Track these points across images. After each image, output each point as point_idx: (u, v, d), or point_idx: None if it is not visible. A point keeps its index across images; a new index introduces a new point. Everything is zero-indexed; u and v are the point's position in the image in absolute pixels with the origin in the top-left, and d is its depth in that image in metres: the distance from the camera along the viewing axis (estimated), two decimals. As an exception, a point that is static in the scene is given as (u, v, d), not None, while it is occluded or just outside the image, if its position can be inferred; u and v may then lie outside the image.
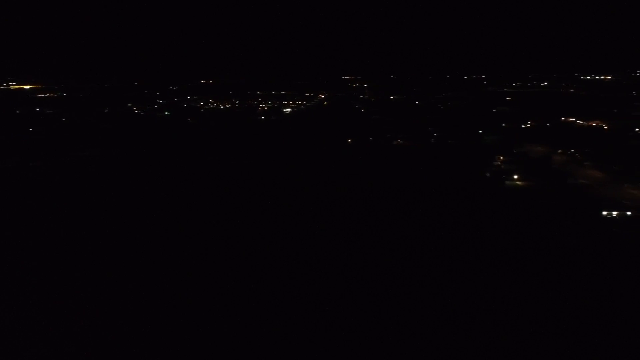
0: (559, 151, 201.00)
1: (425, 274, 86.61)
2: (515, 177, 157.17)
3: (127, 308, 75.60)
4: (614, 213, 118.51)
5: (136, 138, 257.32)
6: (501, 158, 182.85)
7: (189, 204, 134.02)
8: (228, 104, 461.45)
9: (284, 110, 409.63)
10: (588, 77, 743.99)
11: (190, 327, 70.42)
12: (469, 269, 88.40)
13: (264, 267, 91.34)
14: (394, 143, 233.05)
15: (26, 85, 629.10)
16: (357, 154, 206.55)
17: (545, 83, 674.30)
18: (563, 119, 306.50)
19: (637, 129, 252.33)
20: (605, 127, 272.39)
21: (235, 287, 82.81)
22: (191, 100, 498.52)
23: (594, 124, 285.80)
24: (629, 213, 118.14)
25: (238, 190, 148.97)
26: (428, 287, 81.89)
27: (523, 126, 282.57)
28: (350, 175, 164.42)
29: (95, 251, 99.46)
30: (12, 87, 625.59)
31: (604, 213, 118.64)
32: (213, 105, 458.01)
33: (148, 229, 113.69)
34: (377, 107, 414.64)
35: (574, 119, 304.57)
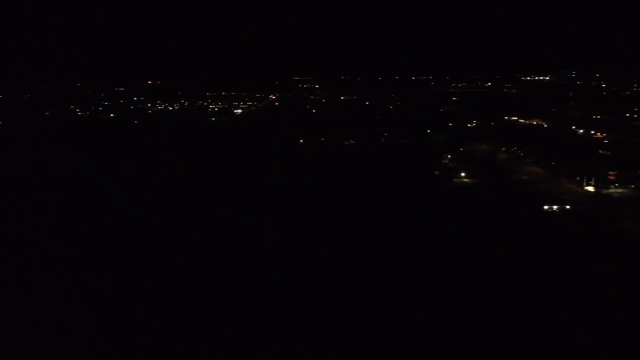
0: (503, 149, 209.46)
1: (377, 269, 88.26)
2: (463, 174, 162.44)
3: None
4: (555, 207, 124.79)
5: (80, 142, 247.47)
6: (449, 156, 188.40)
7: (137, 209, 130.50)
8: (177, 106, 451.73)
9: (235, 111, 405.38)
10: (528, 78, 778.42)
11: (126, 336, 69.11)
12: (421, 264, 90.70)
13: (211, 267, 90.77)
14: (346, 143, 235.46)
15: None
16: (310, 154, 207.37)
17: (489, 83, 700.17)
18: (506, 118, 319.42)
19: (573, 127, 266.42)
20: (545, 126, 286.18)
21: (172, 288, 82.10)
22: (138, 101, 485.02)
23: (534, 123, 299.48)
24: (568, 207, 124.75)
25: (189, 193, 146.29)
26: (380, 279, 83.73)
27: (469, 125, 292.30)
28: (302, 175, 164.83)
29: (32, 256, 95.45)
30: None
31: (546, 207, 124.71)
32: (161, 106, 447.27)
33: (90, 234, 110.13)
34: (328, 107, 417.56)
35: (516, 118, 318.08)
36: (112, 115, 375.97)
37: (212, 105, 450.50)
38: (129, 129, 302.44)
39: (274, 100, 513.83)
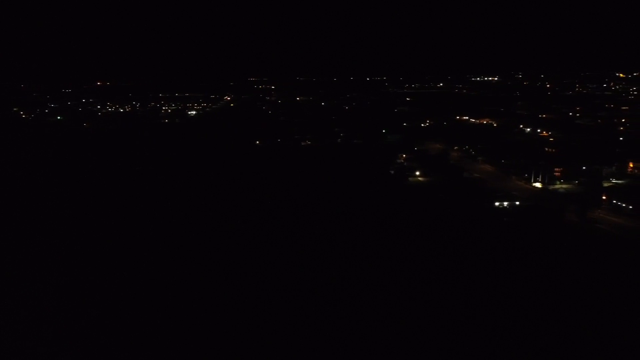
0: (455, 148, 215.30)
1: (335, 268, 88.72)
2: (417, 173, 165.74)
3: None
4: (505, 203, 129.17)
5: (24, 145, 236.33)
6: (404, 156, 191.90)
7: (84, 214, 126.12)
8: (128, 107, 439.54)
9: (189, 112, 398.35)
10: (478, 79, 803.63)
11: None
12: (378, 261, 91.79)
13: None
14: (302, 144, 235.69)
15: None
16: (266, 155, 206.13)
17: (441, 84, 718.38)
18: (458, 117, 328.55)
19: (521, 126, 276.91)
20: (494, 125, 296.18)
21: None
22: (87, 103, 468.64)
23: (484, 122, 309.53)
24: (517, 203, 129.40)
25: (143, 197, 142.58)
26: (337, 277, 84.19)
27: (423, 125, 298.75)
28: (259, 177, 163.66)
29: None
30: None
31: (497, 204, 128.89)
32: (111, 108, 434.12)
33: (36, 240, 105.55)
34: (284, 108, 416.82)
35: (467, 118, 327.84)
36: (59, 117, 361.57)
37: (165, 106, 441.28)
38: (77, 132, 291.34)
39: (229, 101, 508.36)
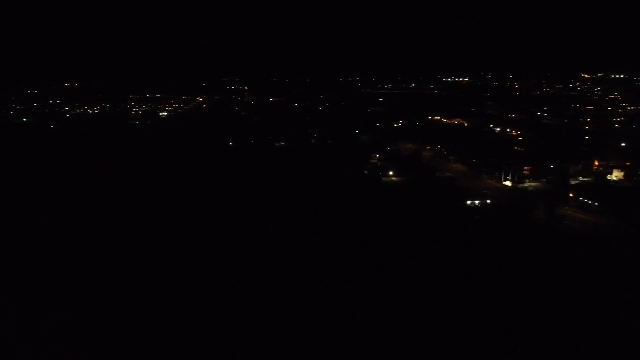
0: (428, 147, 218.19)
1: (310, 269, 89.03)
2: (391, 173, 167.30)
3: None
4: (477, 202, 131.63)
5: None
6: (377, 156, 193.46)
7: (52, 219, 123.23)
8: (97, 109, 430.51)
9: (160, 113, 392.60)
10: (449, 79, 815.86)
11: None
12: (354, 261, 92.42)
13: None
14: (276, 145, 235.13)
15: None
16: (240, 156, 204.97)
17: (413, 85, 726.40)
18: (430, 117, 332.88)
19: (491, 126, 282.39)
20: (465, 125, 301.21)
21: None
22: (54, 104, 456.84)
23: (455, 122, 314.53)
24: (488, 201, 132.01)
25: (112, 201, 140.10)
26: (312, 278, 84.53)
27: (395, 125, 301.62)
28: (233, 178, 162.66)
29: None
30: None
31: (468, 202, 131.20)
32: (80, 110, 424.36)
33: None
34: (257, 109, 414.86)
35: (438, 118, 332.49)
36: (24, 119, 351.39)
37: (136, 107, 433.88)
38: (45, 134, 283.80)
39: (202, 102, 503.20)
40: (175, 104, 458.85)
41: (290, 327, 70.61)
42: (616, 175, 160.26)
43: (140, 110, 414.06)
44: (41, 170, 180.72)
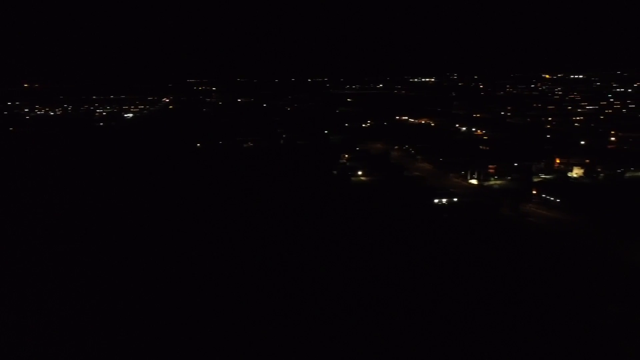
0: (396, 147, 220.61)
1: (282, 269, 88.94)
2: (360, 173, 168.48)
3: None
4: (444, 200, 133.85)
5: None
6: (346, 156, 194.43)
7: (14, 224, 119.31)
8: (59, 110, 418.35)
9: (125, 115, 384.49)
10: (416, 80, 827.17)
11: None
12: (324, 261, 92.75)
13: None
14: (245, 146, 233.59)
15: None
16: (208, 157, 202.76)
17: (380, 85, 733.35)
18: (397, 117, 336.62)
19: (457, 125, 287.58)
20: (432, 124, 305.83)
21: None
22: (12, 106, 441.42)
23: (422, 122, 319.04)
24: (455, 199, 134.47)
25: (78, 204, 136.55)
26: (283, 277, 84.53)
27: (364, 125, 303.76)
28: (201, 180, 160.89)
29: None
30: None
31: (436, 201, 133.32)
32: (41, 111, 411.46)
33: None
34: (225, 110, 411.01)
35: (406, 118, 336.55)
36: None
37: (100, 109, 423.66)
38: (3, 137, 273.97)
39: (168, 103, 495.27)
40: (140, 105, 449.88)
41: (248, 328, 70.39)
42: (576, 172, 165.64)
43: (105, 112, 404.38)
44: (2, 174, 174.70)
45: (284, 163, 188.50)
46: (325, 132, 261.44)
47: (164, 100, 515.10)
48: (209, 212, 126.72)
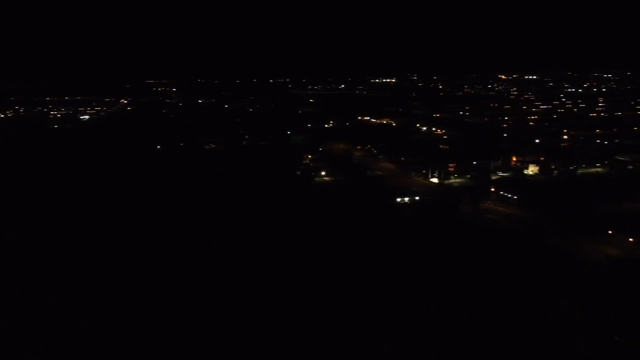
0: (358, 147, 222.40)
1: (249, 270, 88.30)
2: (323, 173, 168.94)
3: None
4: (406, 199, 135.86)
5: None
6: (309, 156, 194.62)
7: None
8: (10, 112, 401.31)
9: (81, 117, 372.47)
10: (377, 80, 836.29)
11: None
12: (289, 261, 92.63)
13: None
14: (206, 147, 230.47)
15: None
16: (169, 160, 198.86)
17: (342, 86, 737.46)
18: (359, 118, 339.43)
19: (418, 125, 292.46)
20: (394, 124, 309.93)
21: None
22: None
23: (384, 122, 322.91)
24: (417, 198, 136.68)
25: (32, 209, 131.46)
26: (250, 277, 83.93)
27: (326, 126, 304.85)
28: (162, 183, 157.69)
29: None
30: None
31: (398, 200, 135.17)
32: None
33: None
34: (186, 111, 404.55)
35: (368, 118, 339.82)
36: None
37: (54, 111, 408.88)
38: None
39: (126, 105, 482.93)
40: (97, 107, 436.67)
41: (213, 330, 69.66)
42: (532, 169, 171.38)
43: (59, 114, 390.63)
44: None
45: (246, 164, 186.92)
46: (288, 132, 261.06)
47: (122, 102, 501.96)
48: (170, 215, 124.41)
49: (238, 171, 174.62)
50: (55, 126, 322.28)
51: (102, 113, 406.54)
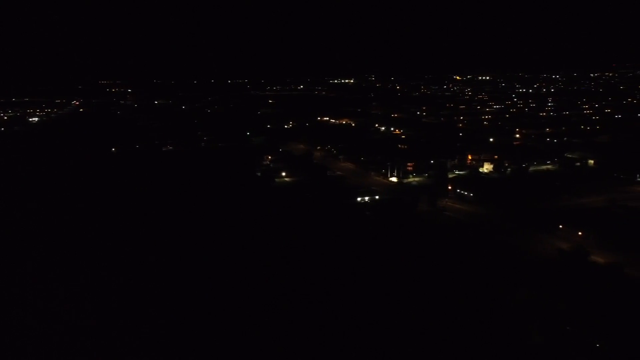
0: (318, 148, 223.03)
1: (212, 272, 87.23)
2: (284, 174, 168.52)
3: None
4: (366, 198, 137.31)
5: None
6: (269, 157, 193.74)
7: None
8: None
9: (30, 119, 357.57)
10: (336, 81, 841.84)
11: None
12: (252, 262, 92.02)
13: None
14: (164, 149, 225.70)
15: None
16: (124, 163, 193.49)
17: (301, 86, 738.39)
18: (319, 118, 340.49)
19: (376, 125, 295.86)
20: (353, 125, 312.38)
21: None
22: None
23: (343, 122, 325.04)
24: (377, 197, 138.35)
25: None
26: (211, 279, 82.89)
27: (286, 126, 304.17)
28: (118, 187, 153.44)
29: None
30: None
31: (359, 199, 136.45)
32: None
33: None
34: (141, 112, 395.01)
35: (327, 118, 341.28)
36: None
37: (1, 113, 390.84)
38: None
39: (78, 106, 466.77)
40: (47, 109, 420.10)
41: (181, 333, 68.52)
42: (487, 168, 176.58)
43: (6, 116, 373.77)
44: None
45: (205, 166, 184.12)
46: (247, 133, 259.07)
47: (74, 103, 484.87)
48: (127, 218, 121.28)
49: (197, 173, 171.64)
50: (2, 129, 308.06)
51: (52, 115, 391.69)
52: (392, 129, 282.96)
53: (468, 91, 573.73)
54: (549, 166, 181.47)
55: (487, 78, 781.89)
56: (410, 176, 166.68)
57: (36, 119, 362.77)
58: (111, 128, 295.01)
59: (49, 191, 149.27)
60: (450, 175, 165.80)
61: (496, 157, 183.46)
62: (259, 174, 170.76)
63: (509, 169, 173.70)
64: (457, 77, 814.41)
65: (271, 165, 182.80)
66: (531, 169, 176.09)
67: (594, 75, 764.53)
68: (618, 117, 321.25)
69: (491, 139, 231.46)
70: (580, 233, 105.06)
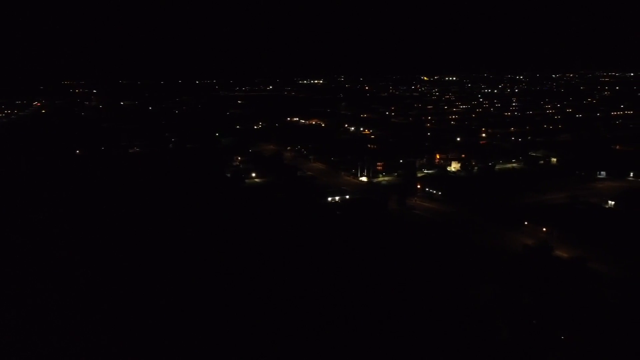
0: (288, 148, 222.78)
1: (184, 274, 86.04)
2: (254, 175, 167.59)
3: None
4: (337, 198, 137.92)
5: None
6: (239, 158, 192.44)
7: None
8: None
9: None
10: (305, 81, 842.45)
11: None
12: (220, 263, 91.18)
13: None
14: (130, 151, 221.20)
15: None
16: (90, 165, 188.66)
17: (271, 87, 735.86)
18: (288, 119, 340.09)
19: (346, 125, 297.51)
20: (323, 125, 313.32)
21: None
22: None
23: (313, 122, 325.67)
24: (347, 196, 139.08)
25: None
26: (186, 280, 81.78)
27: (255, 127, 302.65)
28: (83, 191, 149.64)
29: None
30: None
31: (329, 199, 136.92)
32: None
33: None
34: (107, 114, 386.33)
35: (297, 119, 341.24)
36: None
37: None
38: None
39: (40, 107, 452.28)
40: (6, 110, 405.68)
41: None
42: (454, 167, 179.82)
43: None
44: None
45: (173, 168, 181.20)
46: (216, 134, 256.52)
47: (35, 104, 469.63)
48: (92, 222, 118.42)
49: (165, 175, 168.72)
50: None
51: (12, 116, 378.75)
52: (361, 129, 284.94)
53: (435, 91, 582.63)
54: (514, 164, 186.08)
55: (454, 78, 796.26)
56: (380, 175, 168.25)
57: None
58: (75, 130, 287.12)
59: (5, 197, 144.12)
60: (419, 175, 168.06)
61: (463, 156, 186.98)
62: (228, 175, 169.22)
63: (475, 168, 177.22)
64: (425, 78, 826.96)
65: (241, 166, 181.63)
66: (497, 167, 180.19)
67: (556, 76, 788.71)
68: (579, 117, 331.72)
69: (458, 139, 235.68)
70: (544, 229, 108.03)
